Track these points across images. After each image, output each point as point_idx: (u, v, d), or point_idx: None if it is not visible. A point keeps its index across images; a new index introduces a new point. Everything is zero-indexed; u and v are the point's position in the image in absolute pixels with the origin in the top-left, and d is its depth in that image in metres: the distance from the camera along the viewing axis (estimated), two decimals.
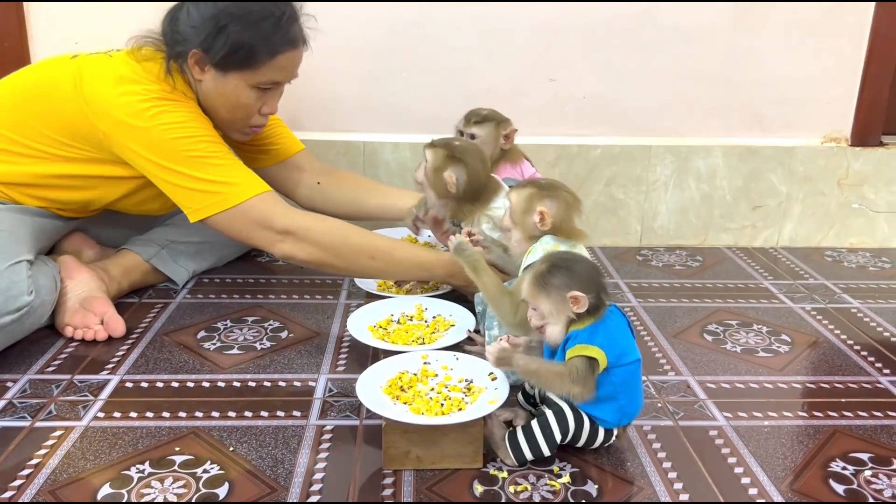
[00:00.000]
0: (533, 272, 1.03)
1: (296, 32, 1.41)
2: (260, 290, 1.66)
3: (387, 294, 1.50)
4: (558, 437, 1.03)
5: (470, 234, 1.30)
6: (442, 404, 1.06)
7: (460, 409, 1.05)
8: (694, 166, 1.97)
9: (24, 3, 1.82)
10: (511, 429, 1.05)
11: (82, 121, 1.36)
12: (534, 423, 1.04)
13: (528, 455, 1.03)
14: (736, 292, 1.71)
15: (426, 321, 1.37)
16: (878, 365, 1.38)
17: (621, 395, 1.02)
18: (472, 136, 1.60)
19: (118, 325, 1.42)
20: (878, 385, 1.31)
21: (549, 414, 1.03)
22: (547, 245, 1.16)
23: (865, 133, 1.99)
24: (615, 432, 1.06)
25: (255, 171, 1.65)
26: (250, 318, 1.51)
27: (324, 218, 1.45)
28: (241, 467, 1.03)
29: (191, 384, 1.26)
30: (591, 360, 0.98)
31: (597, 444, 1.06)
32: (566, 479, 1.02)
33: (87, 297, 1.44)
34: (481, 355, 1.24)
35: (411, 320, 1.37)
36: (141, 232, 1.67)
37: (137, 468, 1.03)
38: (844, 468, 1.07)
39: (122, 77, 1.37)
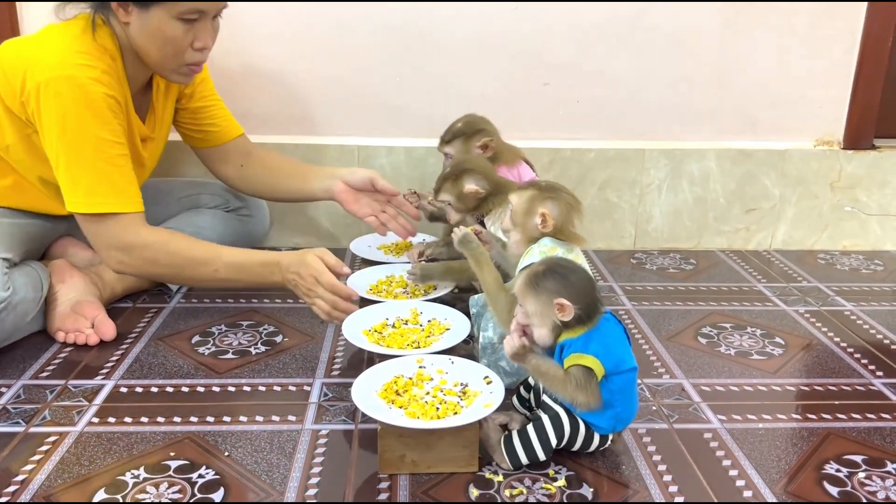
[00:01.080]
0: (529, 271, 1.03)
1: None
2: (254, 294, 1.66)
3: (381, 298, 1.49)
4: (554, 441, 1.03)
5: (477, 232, 1.33)
6: (437, 408, 1.06)
7: (456, 413, 1.05)
8: (687, 169, 1.98)
9: (18, 4, 1.82)
10: (506, 433, 1.05)
11: (11, 98, 1.35)
12: (529, 427, 1.04)
13: (524, 459, 1.03)
14: (730, 295, 1.72)
15: (421, 325, 1.37)
16: (872, 367, 1.39)
17: (617, 403, 1.02)
18: (447, 155, 1.62)
19: (108, 329, 1.42)
20: (872, 387, 1.31)
21: (545, 418, 1.03)
22: (545, 247, 1.16)
23: (858, 136, 2.00)
24: (610, 437, 1.07)
25: (193, 149, 1.68)
26: (245, 323, 1.51)
27: (168, 235, 1.42)
28: (236, 472, 1.03)
29: (185, 389, 1.25)
30: (589, 369, 0.98)
31: (592, 448, 1.06)
32: (562, 482, 1.02)
33: (78, 302, 1.44)
34: (475, 357, 1.24)
35: (406, 324, 1.37)
36: None
37: (132, 473, 1.02)
38: (838, 470, 1.07)
39: (34, 41, 1.36)
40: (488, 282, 1.18)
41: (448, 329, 1.34)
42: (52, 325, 1.43)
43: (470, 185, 1.42)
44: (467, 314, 1.35)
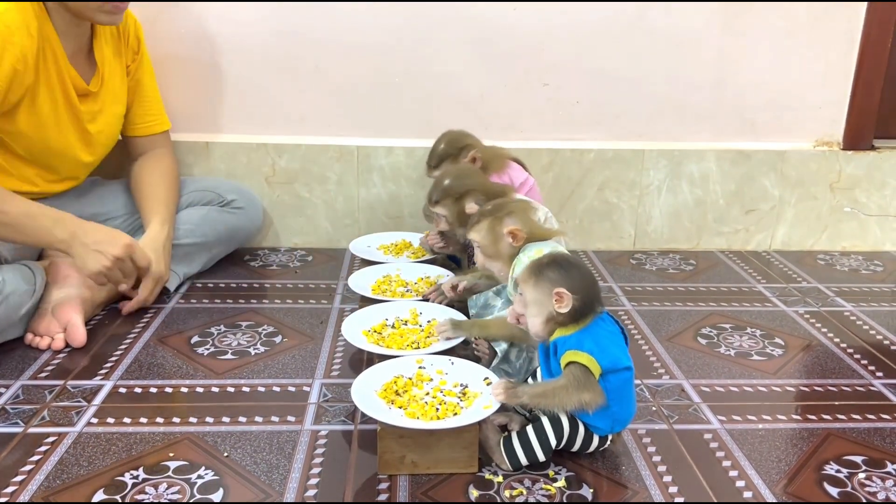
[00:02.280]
0: (533, 260, 1.05)
1: None
2: (254, 294, 1.65)
3: (383, 298, 1.49)
4: (553, 442, 1.03)
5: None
6: (437, 409, 1.06)
7: (455, 414, 1.05)
8: (687, 170, 1.98)
9: None
10: (506, 434, 1.05)
11: None
12: (529, 428, 1.03)
13: (524, 460, 1.03)
14: (729, 296, 1.71)
15: (421, 325, 1.37)
16: (871, 368, 1.38)
17: (613, 403, 1.02)
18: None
19: (78, 335, 1.39)
20: (872, 388, 1.31)
21: (545, 419, 1.03)
22: (531, 250, 1.17)
23: (857, 137, 2.00)
24: (609, 437, 1.07)
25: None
26: (244, 323, 1.51)
27: None
28: (235, 473, 1.03)
29: (185, 389, 1.25)
30: (585, 367, 0.98)
31: (591, 448, 1.06)
32: (561, 483, 1.02)
33: (58, 303, 1.43)
34: (476, 359, 1.24)
35: (406, 324, 1.37)
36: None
37: (131, 474, 1.02)
38: (838, 471, 1.07)
39: None
40: (498, 334, 1.21)
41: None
42: (31, 325, 1.42)
43: (472, 206, 1.40)
44: (466, 314, 1.35)
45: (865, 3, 1.91)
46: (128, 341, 1.42)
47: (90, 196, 1.69)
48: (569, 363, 0.99)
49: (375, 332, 1.33)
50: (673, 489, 1.02)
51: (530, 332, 1.05)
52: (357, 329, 1.32)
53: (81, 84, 1.51)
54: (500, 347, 1.24)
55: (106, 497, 0.97)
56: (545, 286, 1.01)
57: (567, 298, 1.00)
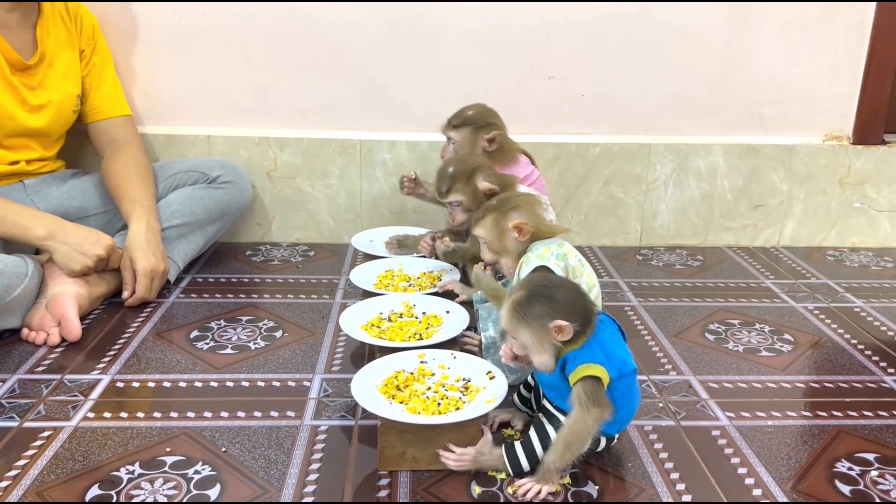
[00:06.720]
0: (511, 300, 0.97)
1: None
2: (254, 289, 1.64)
3: (385, 292, 1.47)
4: None
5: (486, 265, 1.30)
6: (439, 403, 1.04)
7: (458, 409, 1.03)
8: (694, 165, 1.95)
9: None
10: (507, 441, 1.01)
11: None
12: (533, 437, 0.99)
13: (526, 466, 0.99)
14: (737, 292, 1.69)
15: (417, 318, 1.34)
16: (883, 364, 1.36)
17: (621, 408, 0.99)
18: (450, 139, 1.56)
19: (73, 329, 1.36)
20: (883, 385, 1.29)
21: (550, 429, 0.99)
22: (538, 249, 1.14)
23: (867, 131, 1.97)
24: (616, 436, 1.04)
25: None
26: (244, 318, 1.49)
27: None
28: (233, 468, 1.01)
29: (183, 384, 1.23)
30: (596, 379, 0.94)
31: (599, 448, 1.04)
32: (567, 480, 0.99)
33: (52, 297, 1.41)
34: (476, 353, 1.22)
35: (401, 317, 1.35)
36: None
37: (127, 469, 1.00)
38: (850, 468, 1.05)
39: None
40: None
41: (448, 311, 1.33)
42: (25, 320, 1.40)
43: (483, 183, 1.38)
44: (469, 311, 1.33)
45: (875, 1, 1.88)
46: (126, 335, 1.40)
47: (74, 190, 1.67)
48: (578, 380, 0.94)
49: (374, 325, 1.31)
50: (680, 486, 1.00)
51: (540, 369, 0.98)
52: (355, 324, 1.30)
53: (14, 56, 1.53)
54: (487, 333, 1.22)
55: (100, 492, 0.95)
56: (537, 323, 0.94)
57: (567, 329, 0.94)
